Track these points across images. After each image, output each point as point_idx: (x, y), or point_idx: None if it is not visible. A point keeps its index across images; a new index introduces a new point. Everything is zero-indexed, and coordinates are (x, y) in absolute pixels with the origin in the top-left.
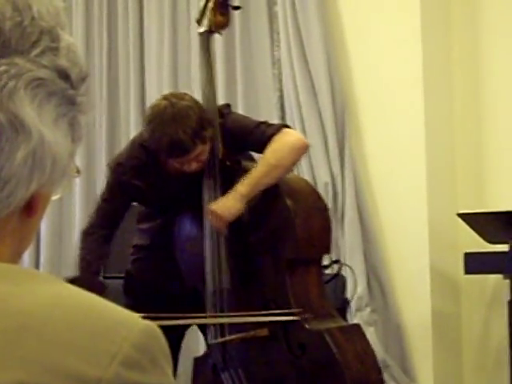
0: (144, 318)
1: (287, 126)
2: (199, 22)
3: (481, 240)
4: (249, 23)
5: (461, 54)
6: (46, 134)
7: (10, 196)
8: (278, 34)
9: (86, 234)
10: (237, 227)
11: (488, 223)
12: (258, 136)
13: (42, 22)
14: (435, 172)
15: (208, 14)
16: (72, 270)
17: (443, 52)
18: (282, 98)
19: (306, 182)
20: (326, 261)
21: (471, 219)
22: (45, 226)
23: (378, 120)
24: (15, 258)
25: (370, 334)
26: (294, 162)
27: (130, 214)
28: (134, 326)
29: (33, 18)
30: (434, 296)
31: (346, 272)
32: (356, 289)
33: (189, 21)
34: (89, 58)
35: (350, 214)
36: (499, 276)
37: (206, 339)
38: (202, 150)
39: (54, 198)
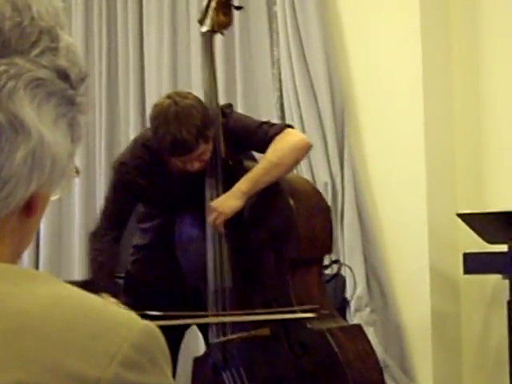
0: (146, 317)
1: (290, 126)
2: (201, 21)
3: (480, 240)
4: (248, 23)
5: (460, 54)
6: (46, 134)
7: (10, 196)
8: (278, 34)
9: (95, 236)
10: (237, 225)
11: (487, 223)
12: (260, 136)
13: (41, 22)
14: (435, 172)
15: (210, 13)
16: (71, 269)
17: (443, 52)
18: (281, 97)
19: (307, 182)
20: (325, 261)
21: (471, 219)
22: (44, 226)
23: (378, 120)
24: (14, 258)
25: (370, 334)
26: (296, 162)
27: None
28: (134, 326)
29: (32, 18)
30: (433, 296)
31: (345, 272)
32: (355, 289)
33: (188, 21)
34: (88, 59)
35: (350, 214)
36: (499, 276)
37: (205, 339)
38: (205, 150)
39: (54, 198)
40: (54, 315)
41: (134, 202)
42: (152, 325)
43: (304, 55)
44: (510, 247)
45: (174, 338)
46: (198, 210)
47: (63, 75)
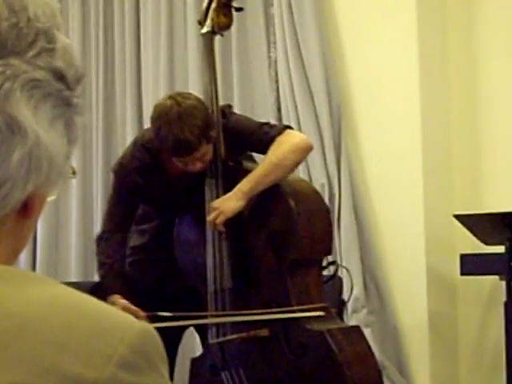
0: (156, 318)
1: (290, 128)
2: (202, 22)
3: (477, 241)
4: (245, 25)
5: (457, 56)
6: (42, 136)
7: (6, 197)
8: (275, 35)
9: (101, 240)
10: (237, 225)
11: (484, 224)
12: (261, 137)
13: (37, 24)
14: (431, 173)
15: (211, 14)
16: (68, 271)
17: (440, 54)
18: (278, 99)
19: (308, 183)
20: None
21: (467, 220)
22: (41, 227)
23: (375, 121)
24: (11, 259)
25: (367, 335)
26: (297, 163)
27: None
28: (130, 327)
29: (29, 20)
30: (430, 297)
31: (342, 273)
32: (352, 290)
33: (185, 23)
34: (85, 60)
35: (347, 216)
36: (495, 277)
37: (202, 340)
38: (207, 150)
39: (50, 199)
40: (50, 316)
41: (136, 203)
42: (149, 326)
43: (301, 57)
44: (506, 248)
45: (172, 339)
46: (197, 211)
47: (60, 76)
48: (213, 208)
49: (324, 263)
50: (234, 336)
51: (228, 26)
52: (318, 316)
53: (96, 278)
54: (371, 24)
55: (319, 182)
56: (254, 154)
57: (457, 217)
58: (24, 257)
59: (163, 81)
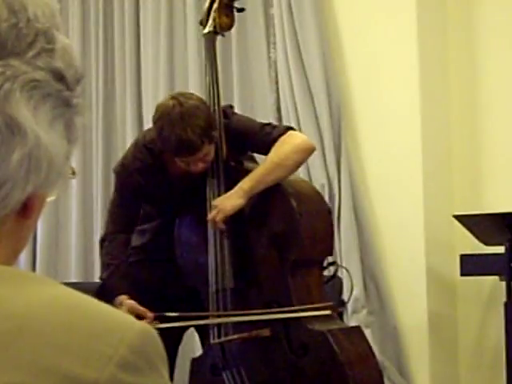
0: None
1: (292, 129)
2: (203, 23)
3: (477, 242)
4: (245, 25)
5: (457, 57)
6: (42, 136)
7: (6, 198)
8: (275, 36)
9: (105, 242)
10: (239, 225)
11: (484, 225)
12: (263, 137)
13: (37, 24)
14: (431, 174)
15: (213, 14)
16: (68, 271)
17: (440, 54)
18: (278, 100)
19: (309, 184)
20: None
21: (467, 221)
22: (41, 227)
23: (375, 122)
24: (11, 259)
25: (367, 335)
26: (299, 163)
27: None
28: (130, 328)
29: (28, 20)
30: (430, 298)
31: (342, 274)
32: (352, 291)
33: (185, 23)
34: (85, 60)
35: (347, 216)
36: (495, 278)
37: (201, 340)
38: (209, 150)
39: (50, 199)
40: (50, 317)
41: (139, 204)
42: (149, 326)
43: (301, 57)
44: (506, 249)
45: (173, 339)
46: (199, 211)
47: (59, 77)
48: (213, 206)
49: (324, 264)
50: (236, 336)
51: (230, 27)
52: (321, 315)
53: (96, 279)
54: (371, 24)
55: (319, 183)
56: (255, 155)
57: (457, 217)
58: (24, 257)
59: (163, 80)
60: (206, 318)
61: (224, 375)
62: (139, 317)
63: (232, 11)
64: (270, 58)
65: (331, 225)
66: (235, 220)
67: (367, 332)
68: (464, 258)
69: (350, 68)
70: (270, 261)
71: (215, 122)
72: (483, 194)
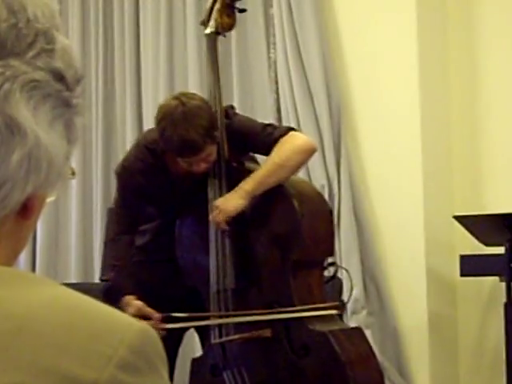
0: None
1: (294, 129)
2: (205, 23)
3: (477, 242)
4: (245, 25)
5: (457, 57)
6: (42, 136)
7: (6, 199)
8: (274, 36)
9: (110, 243)
10: (241, 225)
11: (484, 225)
12: (264, 138)
13: (37, 24)
14: (431, 174)
15: (214, 15)
16: (68, 272)
17: (440, 54)
18: (277, 100)
19: (311, 185)
20: None
21: (467, 221)
22: (41, 228)
23: (374, 122)
24: (11, 260)
25: (367, 336)
26: (301, 164)
27: None
28: (130, 328)
29: (28, 20)
30: (430, 298)
31: (342, 274)
32: (352, 291)
33: (185, 23)
34: (85, 61)
35: (346, 216)
36: (495, 278)
37: (201, 340)
38: (212, 150)
39: (50, 199)
40: (50, 317)
41: (142, 204)
42: (148, 327)
43: (301, 57)
44: (506, 249)
45: (173, 340)
46: (200, 212)
47: (59, 77)
48: (215, 207)
49: (324, 264)
50: (237, 336)
51: (231, 27)
52: (322, 316)
53: (96, 279)
54: (371, 24)
55: (319, 183)
56: (256, 156)
57: (457, 218)
58: (24, 258)
59: (163, 80)
60: (212, 318)
61: (225, 375)
62: (146, 317)
63: (234, 12)
64: (269, 58)
65: (332, 225)
66: (237, 220)
67: (367, 333)
68: (464, 259)
69: (349, 68)
70: (271, 261)
71: (217, 122)
72: (483, 194)
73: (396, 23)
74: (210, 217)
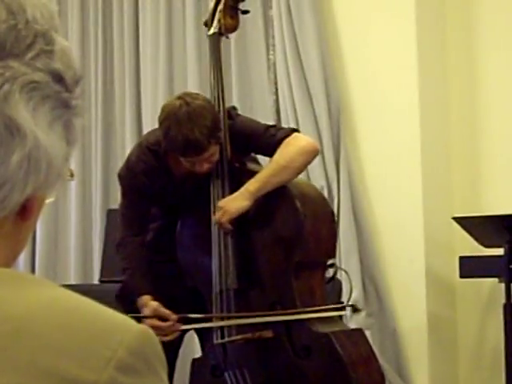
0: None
1: (297, 131)
2: (208, 24)
3: (476, 244)
4: (244, 27)
5: (456, 58)
6: (41, 138)
7: (5, 200)
8: (274, 37)
9: (120, 246)
10: (244, 226)
11: (483, 227)
12: (267, 139)
13: (36, 26)
14: (430, 175)
15: (218, 15)
16: (67, 273)
17: (439, 55)
18: (277, 101)
19: (313, 186)
20: None
21: (466, 223)
22: (40, 229)
23: (374, 123)
24: (10, 261)
25: None
26: (304, 165)
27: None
28: (129, 329)
29: (27, 22)
30: (429, 300)
31: (341, 276)
32: (351, 293)
33: (184, 23)
34: (84, 60)
35: (346, 218)
36: (494, 279)
37: (201, 341)
38: (215, 151)
39: (49, 201)
40: (49, 319)
41: (147, 205)
42: (147, 328)
43: (300, 59)
44: (505, 251)
45: (173, 342)
46: (202, 212)
47: (58, 78)
48: (219, 207)
49: None
50: (239, 337)
51: (234, 28)
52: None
53: (95, 281)
54: (370, 26)
55: (318, 184)
56: (258, 156)
57: (456, 219)
58: (23, 259)
59: (162, 81)
60: (228, 319)
61: (226, 375)
62: (163, 319)
63: (237, 13)
64: (269, 59)
65: (334, 227)
66: (239, 221)
67: (366, 334)
68: (463, 260)
69: (348, 69)
70: (274, 262)
71: (221, 122)
72: (482, 195)
73: (395, 24)
74: (214, 217)
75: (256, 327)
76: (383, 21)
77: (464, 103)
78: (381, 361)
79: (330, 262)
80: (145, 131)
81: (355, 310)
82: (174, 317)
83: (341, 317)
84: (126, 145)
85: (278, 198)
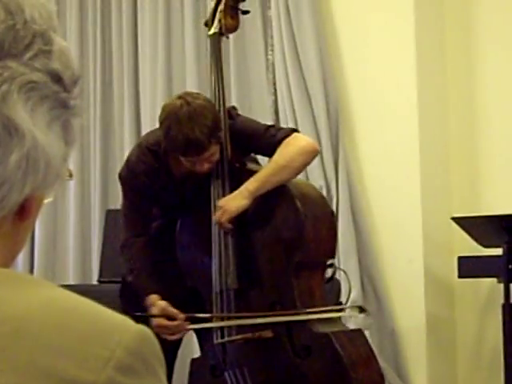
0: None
1: (296, 131)
2: (208, 24)
3: (475, 244)
4: (243, 27)
5: (455, 58)
6: (40, 138)
7: (4, 200)
8: (272, 38)
9: (125, 248)
10: (244, 225)
11: (482, 227)
12: (267, 139)
13: (34, 26)
14: (429, 176)
15: (218, 15)
16: (66, 274)
17: (437, 56)
18: (275, 101)
19: (313, 187)
20: None
21: (465, 223)
22: (39, 230)
23: (372, 123)
24: (8, 261)
25: None
26: (304, 165)
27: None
28: (127, 330)
29: (25, 22)
30: (428, 300)
31: (339, 276)
32: (350, 293)
33: (183, 23)
34: (83, 60)
35: (344, 218)
36: (493, 280)
37: (200, 341)
38: (215, 150)
39: (47, 201)
40: (47, 319)
41: (150, 204)
42: (146, 328)
43: (298, 59)
44: (504, 251)
45: (172, 342)
46: (202, 212)
47: (56, 78)
48: (218, 207)
49: None
50: (239, 336)
51: (235, 29)
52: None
53: (94, 281)
54: (369, 26)
55: (317, 184)
56: (258, 156)
57: (454, 219)
58: (22, 259)
59: (161, 81)
60: (229, 319)
61: (226, 375)
62: (170, 318)
63: (237, 13)
64: (267, 59)
65: (334, 227)
66: (240, 221)
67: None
68: (462, 260)
69: (347, 69)
70: (274, 262)
71: (221, 122)
72: (481, 195)
73: (393, 24)
74: (214, 217)
75: (256, 327)
76: (382, 21)
77: (463, 103)
78: (379, 361)
79: (328, 262)
80: (143, 131)
81: (362, 310)
82: (182, 316)
83: (339, 317)
84: (125, 145)
85: (278, 198)
